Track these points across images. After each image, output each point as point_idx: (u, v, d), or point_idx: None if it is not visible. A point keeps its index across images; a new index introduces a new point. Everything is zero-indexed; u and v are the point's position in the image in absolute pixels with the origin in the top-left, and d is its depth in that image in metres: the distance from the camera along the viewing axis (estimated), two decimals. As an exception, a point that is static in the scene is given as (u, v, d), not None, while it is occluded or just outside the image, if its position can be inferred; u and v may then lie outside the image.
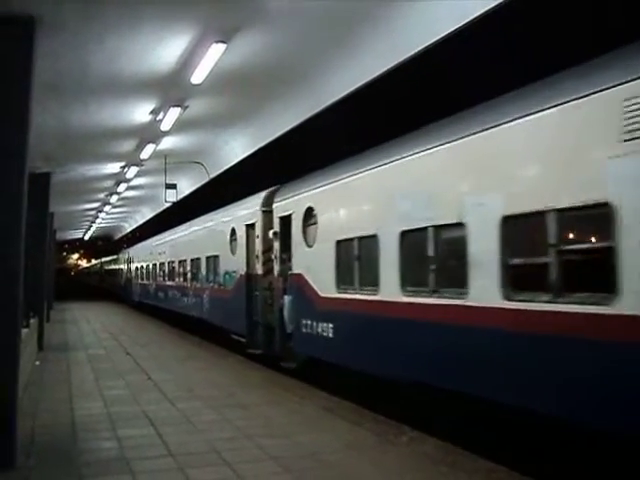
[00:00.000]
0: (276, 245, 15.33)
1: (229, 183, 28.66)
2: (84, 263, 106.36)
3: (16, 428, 8.23)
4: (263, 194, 16.81)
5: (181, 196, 25.99)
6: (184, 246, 26.49)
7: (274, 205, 15.60)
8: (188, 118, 14.52)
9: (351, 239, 11.60)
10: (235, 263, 18.51)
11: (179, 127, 15.33)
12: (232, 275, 18.82)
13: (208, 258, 22.04)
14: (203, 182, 24.76)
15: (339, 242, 12.02)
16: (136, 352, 19.05)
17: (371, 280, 10.84)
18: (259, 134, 17.40)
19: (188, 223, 26.60)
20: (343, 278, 11.95)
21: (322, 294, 12.59)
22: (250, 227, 17.23)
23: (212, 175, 22.86)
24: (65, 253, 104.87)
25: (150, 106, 13.79)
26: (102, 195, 29.06)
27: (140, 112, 14.27)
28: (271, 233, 15.46)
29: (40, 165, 18.76)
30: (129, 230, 53.87)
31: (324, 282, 12.50)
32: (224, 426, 9.90)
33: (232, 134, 17.78)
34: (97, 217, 38.94)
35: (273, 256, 15.58)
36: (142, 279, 38.80)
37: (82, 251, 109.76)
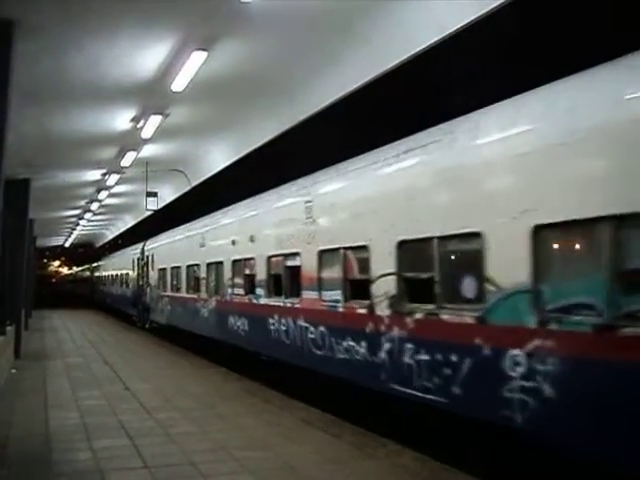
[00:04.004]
0: None
1: (213, 191, 28.34)
2: (65, 270, 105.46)
3: (-12, 439, 8.10)
4: None
5: (162, 204, 25.86)
6: (375, 216, 10.27)
7: None
8: (169, 126, 14.44)
9: None
10: None
11: (160, 135, 15.24)
12: None
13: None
14: (184, 190, 24.64)
15: None
16: (115, 361, 18.85)
17: None
18: (241, 143, 17.35)
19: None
20: None
21: None
22: None
23: (193, 183, 22.77)
24: (46, 260, 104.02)
25: (131, 113, 13.70)
26: (83, 202, 28.85)
27: (121, 119, 14.18)
28: None
29: (20, 171, 18.59)
30: (111, 237, 53.55)
31: None
32: (201, 438, 9.79)
33: (214, 142, 17.72)
34: (78, 224, 38.67)
35: None
36: (176, 290, 23.71)
37: (63, 258, 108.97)
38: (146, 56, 10.36)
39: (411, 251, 9.34)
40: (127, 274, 36.23)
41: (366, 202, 10.47)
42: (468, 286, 8.16)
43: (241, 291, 16.20)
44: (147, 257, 29.62)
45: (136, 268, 32.53)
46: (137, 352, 21.98)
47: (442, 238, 8.52)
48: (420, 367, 8.80)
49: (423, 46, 9.54)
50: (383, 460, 8.55)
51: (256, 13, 8.77)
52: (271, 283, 14.26)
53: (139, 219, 36.08)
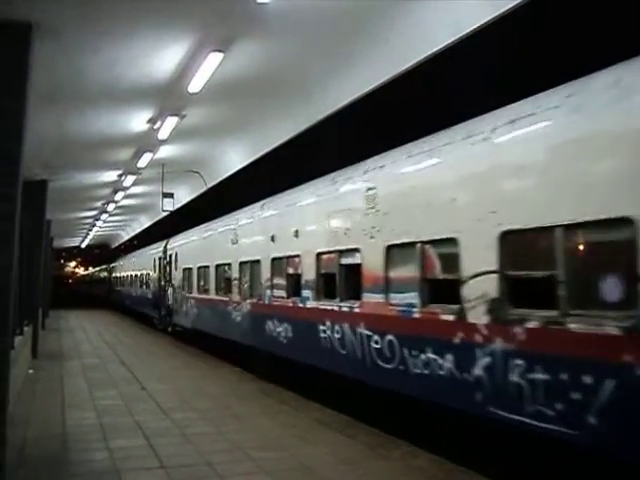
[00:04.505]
0: None
1: (227, 192, 28.28)
2: (81, 271, 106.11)
3: (6, 438, 8.13)
4: None
5: (178, 205, 25.93)
6: None
7: None
8: (186, 127, 14.47)
9: None
10: None
11: (177, 136, 15.27)
12: None
13: None
14: (200, 191, 24.71)
15: None
16: (131, 362, 18.93)
17: None
18: (257, 144, 17.36)
19: None
20: None
21: None
22: None
23: (209, 184, 22.83)
24: (62, 261, 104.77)
25: (147, 115, 13.74)
26: (99, 203, 28.98)
27: (137, 120, 14.22)
28: None
29: (37, 172, 18.71)
30: (127, 238, 53.76)
31: None
32: (218, 438, 9.82)
33: (230, 143, 17.74)
34: (94, 225, 38.84)
35: None
36: (203, 292, 21.85)
37: (79, 259, 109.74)
38: (162, 57, 10.38)
39: (520, 244, 7.63)
40: (147, 274, 34.47)
41: (454, 185, 8.68)
42: (611, 287, 6.41)
43: (282, 293, 14.44)
44: (170, 256, 27.82)
45: (157, 268, 30.84)
46: (153, 353, 22.05)
47: (569, 227, 6.81)
48: (535, 389, 7.07)
49: (441, 46, 9.51)
50: (398, 461, 8.55)
51: (272, 14, 8.76)
52: (321, 284, 12.51)
53: (155, 219, 36.10)
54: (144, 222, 40.11)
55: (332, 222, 12.05)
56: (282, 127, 15.23)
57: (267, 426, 10.57)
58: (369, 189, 10.70)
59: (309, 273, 12.87)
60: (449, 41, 9.34)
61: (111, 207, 29.57)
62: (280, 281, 14.60)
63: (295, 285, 13.73)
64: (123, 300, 45.36)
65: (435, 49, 9.69)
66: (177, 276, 26.26)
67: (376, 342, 10.21)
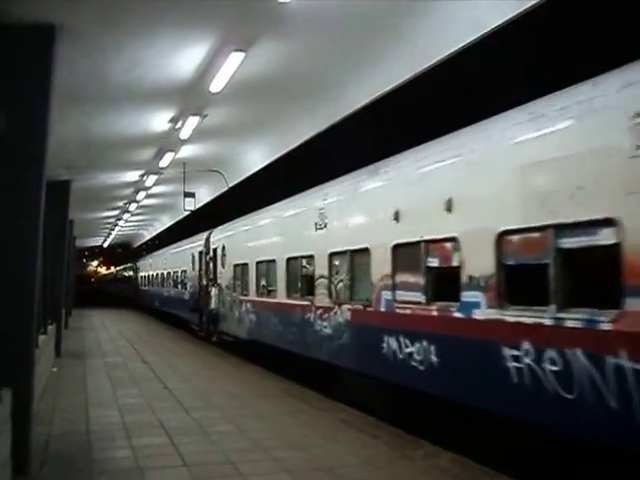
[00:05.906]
0: None
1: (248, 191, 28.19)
2: (103, 270, 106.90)
3: (31, 436, 8.21)
4: None
5: (199, 204, 25.96)
6: None
7: None
8: (207, 127, 14.51)
9: None
10: None
11: (198, 136, 15.33)
12: None
13: None
14: (222, 191, 24.78)
15: None
16: (152, 360, 19.03)
17: None
18: (279, 143, 17.40)
19: None
20: None
21: None
22: None
23: (231, 184, 22.89)
24: (85, 260, 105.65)
25: (169, 114, 13.81)
26: (121, 203, 29.19)
27: (159, 120, 14.29)
28: None
29: (60, 173, 18.86)
30: (149, 237, 54.05)
31: None
32: (239, 437, 9.83)
33: (251, 143, 17.79)
34: (116, 225, 39.13)
35: None
36: (267, 294, 17.46)
37: (102, 258, 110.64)
38: (184, 57, 10.43)
39: None
40: (184, 272, 30.21)
41: None
42: None
43: (417, 296, 9.87)
44: (214, 250, 23.70)
45: (197, 265, 26.78)
46: (176, 352, 22.13)
47: None
48: None
49: (463, 44, 9.46)
50: (420, 461, 8.50)
51: (293, 13, 8.76)
52: (507, 282, 7.96)
53: (177, 219, 36.27)
54: (166, 222, 40.33)
55: (532, 181, 7.67)
56: (303, 125, 15.25)
57: (289, 425, 10.56)
58: None
59: (478, 265, 8.42)
60: (472, 38, 9.30)
61: (133, 207, 29.77)
62: (411, 278, 10.15)
63: (445, 284, 9.32)
64: (152, 301, 41.64)
65: (458, 47, 9.65)
66: (225, 274, 22.17)
67: None
